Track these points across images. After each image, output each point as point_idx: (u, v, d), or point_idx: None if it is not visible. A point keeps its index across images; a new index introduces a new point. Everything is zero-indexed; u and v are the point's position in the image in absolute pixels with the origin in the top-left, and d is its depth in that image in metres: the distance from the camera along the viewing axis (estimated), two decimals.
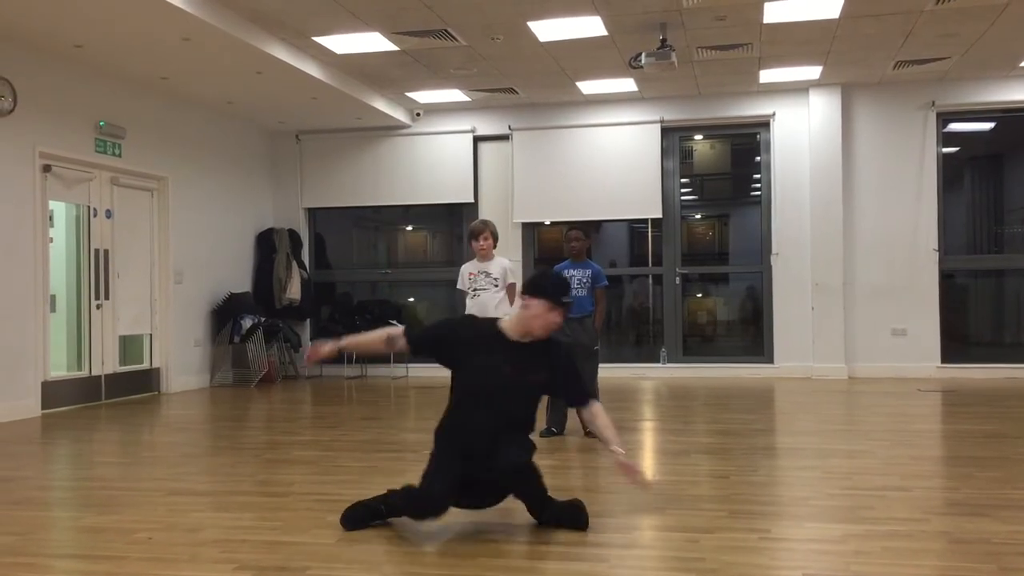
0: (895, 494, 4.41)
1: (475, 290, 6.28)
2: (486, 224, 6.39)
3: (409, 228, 12.77)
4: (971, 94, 10.22)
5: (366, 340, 4.29)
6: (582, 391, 4.05)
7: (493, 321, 4.14)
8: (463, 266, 6.52)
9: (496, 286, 6.27)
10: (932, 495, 4.49)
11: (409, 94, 10.52)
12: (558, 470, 5.17)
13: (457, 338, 4.01)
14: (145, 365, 9.59)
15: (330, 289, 12.20)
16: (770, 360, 10.66)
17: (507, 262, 6.49)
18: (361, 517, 3.87)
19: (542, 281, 4.07)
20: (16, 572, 3.36)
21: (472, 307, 6.23)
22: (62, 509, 4.65)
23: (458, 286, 6.51)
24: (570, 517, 3.83)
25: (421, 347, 4.07)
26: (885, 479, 4.78)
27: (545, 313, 3.88)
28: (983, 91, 10.19)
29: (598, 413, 3.99)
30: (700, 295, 11.59)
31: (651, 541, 3.77)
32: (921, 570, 3.22)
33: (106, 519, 4.14)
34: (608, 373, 8.14)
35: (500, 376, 3.83)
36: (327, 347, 4.05)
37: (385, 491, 3.93)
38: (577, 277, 6.37)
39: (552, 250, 11.03)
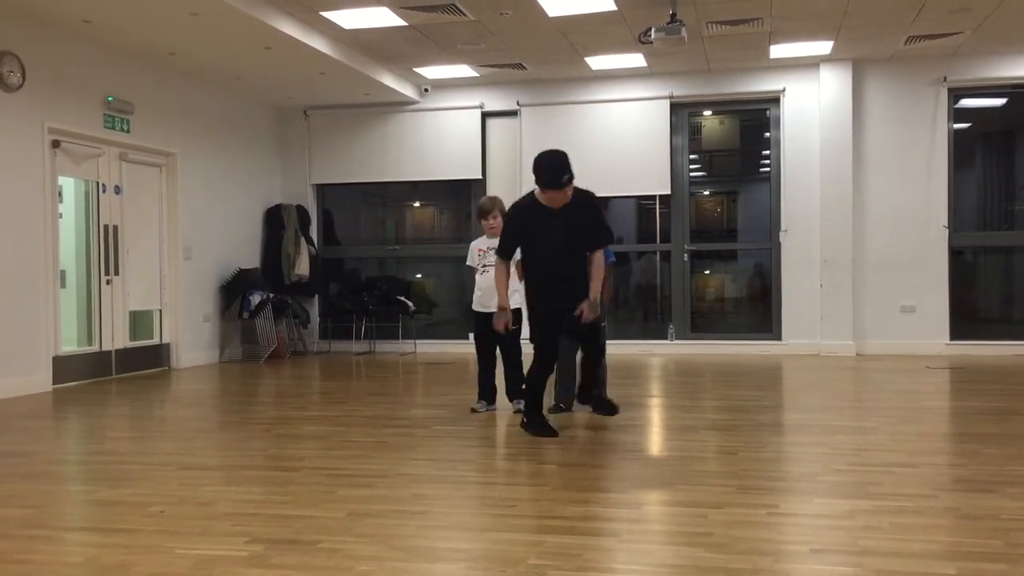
0: (903, 470, 4.43)
1: (484, 266, 6.28)
2: (494, 202, 6.38)
3: (417, 204, 12.76)
4: (983, 69, 10.13)
5: (502, 285, 5.53)
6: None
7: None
8: (472, 243, 6.53)
9: None
10: (940, 471, 4.51)
11: (417, 69, 10.48)
12: (566, 447, 5.20)
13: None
14: (155, 340, 9.64)
15: (338, 265, 12.22)
16: (778, 337, 10.67)
17: None
18: (540, 422, 5.40)
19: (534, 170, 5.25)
20: (32, 544, 3.40)
21: (481, 284, 6.26)
22: (76, 483, 4.70)
23: (467, 263, 6.53)
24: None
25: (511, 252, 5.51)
26: (893, 455, 4.79)
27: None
28: (995, 67, 10.10)
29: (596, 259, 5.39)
30: (708, 272, 11.58)
31: (660, 516, 3.79)
32: (929, 545, 3.24)
33: (119, 493, 4.18)
34: (616, 350, 8.16)
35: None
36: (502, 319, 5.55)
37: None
38: None
39: None
